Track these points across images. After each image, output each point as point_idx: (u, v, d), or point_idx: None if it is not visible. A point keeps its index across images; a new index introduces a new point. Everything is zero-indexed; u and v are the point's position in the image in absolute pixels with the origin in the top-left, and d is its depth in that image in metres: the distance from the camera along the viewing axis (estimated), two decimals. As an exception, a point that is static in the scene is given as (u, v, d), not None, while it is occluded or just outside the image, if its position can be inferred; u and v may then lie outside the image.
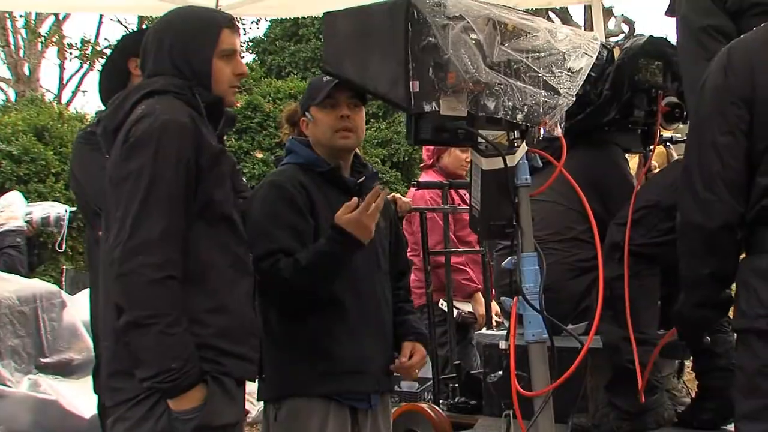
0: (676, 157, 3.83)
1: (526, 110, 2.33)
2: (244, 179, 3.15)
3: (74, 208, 7.43)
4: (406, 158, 12.58)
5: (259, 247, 2.70)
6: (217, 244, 2.43)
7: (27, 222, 6.53)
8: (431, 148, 5.20)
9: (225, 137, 2.80)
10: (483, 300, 4.99)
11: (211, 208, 2.41)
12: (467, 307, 4.94)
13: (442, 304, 4.66)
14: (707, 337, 3.14)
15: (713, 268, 2.50)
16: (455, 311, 4.72)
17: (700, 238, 2.49)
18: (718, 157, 2.41)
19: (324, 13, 2.55)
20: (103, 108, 2.78)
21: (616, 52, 3.41)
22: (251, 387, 2.73)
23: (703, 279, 2.53)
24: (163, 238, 2.28)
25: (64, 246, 6.84)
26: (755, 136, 2.38)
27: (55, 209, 6.75)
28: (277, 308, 2.85)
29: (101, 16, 21.67)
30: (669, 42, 3.43)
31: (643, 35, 3.52)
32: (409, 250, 5.17)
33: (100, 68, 3.16)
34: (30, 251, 6.79)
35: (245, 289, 2.51)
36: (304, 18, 15.31)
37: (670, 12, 3.13)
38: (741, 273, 2.45)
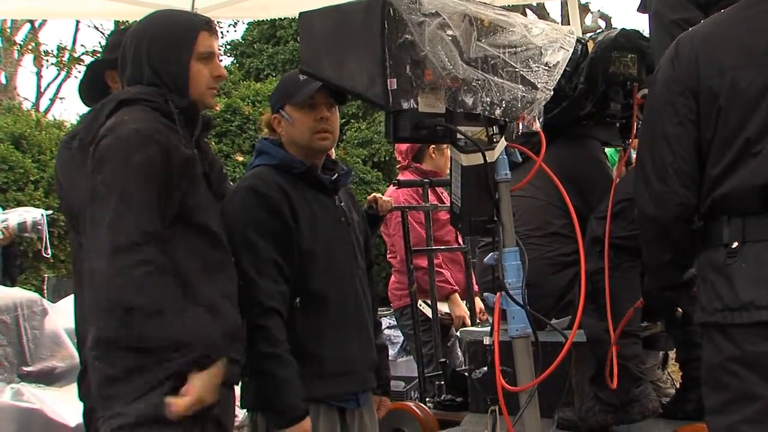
0: None
1: (504, 105, 2.33)
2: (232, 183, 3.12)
3: (51, 212, 7.35)
4: (387, 158, 12.53)
5: (249, 271, 2.68)
6: (189, 248, 2.43)
7: (3, 229, 6.44)
8: (404, 149, 5.20)
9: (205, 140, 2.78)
10: (459, 301, 5.02)
11: (183, 214, 2.41)
12: (444, 308, 4.95)
13: (421, 306, 4.66)
14: (679, 310, 3.25)
15: (671, 256, 2.55)
16: (431, 312, 4.72)
17: (655, 229, 2.52)
18: (669, 148, 2.43)
19: (300, 14, 2.53)
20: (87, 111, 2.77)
21: (590, 46, 3.43)
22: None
23: (664, 266, 2.60)
24: (143, 241, 2.27)
25: (50, 251, 6.73)
26: (702, 126, 2.40)
27: (31, 214, 6.62)
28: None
29: (77, 22, 21.59)
30: (641, 34, 3.44)
31: (616, 29, 3.54)
32: (387, 252, 5.19)
33: (80, 78, 3.11)
34: (11, 262, 6.72)
35: (225, 292, 2.51)
36: (281, 20, 15.21)
37: (642, 8, 3.15)
38: (700, 268, 2.46)
